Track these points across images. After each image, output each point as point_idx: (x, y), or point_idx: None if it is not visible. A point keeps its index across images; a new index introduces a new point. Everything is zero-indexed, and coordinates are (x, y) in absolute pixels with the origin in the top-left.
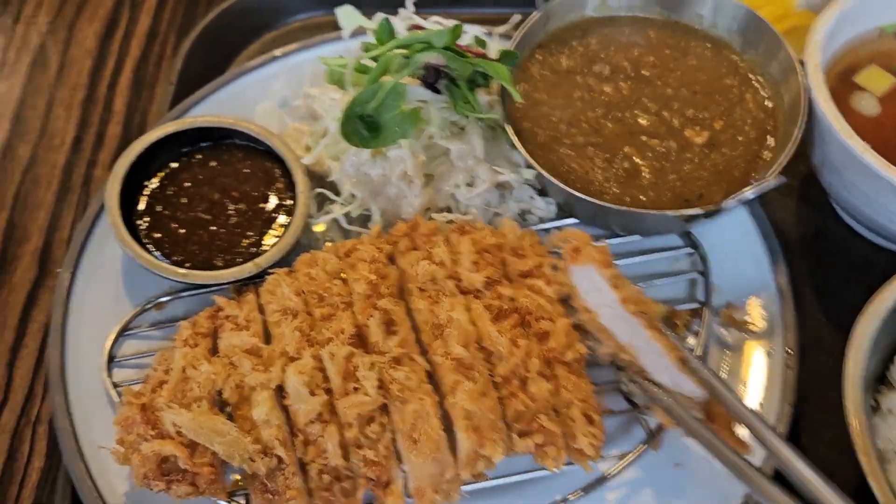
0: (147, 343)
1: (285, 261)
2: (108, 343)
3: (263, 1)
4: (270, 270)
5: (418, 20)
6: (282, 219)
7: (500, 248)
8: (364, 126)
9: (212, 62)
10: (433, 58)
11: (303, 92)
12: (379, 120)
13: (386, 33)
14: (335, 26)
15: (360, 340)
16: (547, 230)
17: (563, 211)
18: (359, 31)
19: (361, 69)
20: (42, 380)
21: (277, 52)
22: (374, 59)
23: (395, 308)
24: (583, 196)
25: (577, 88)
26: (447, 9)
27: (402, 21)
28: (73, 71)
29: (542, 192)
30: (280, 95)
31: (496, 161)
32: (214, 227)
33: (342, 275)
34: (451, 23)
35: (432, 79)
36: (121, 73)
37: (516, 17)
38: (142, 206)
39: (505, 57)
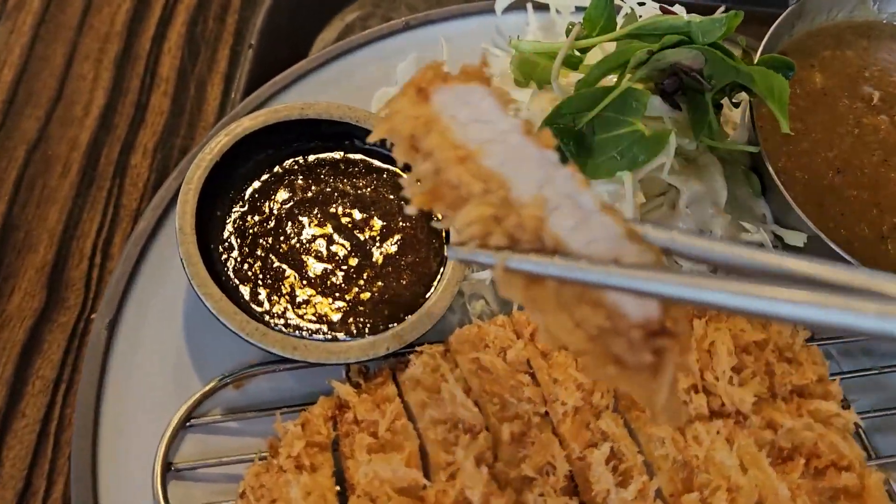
0: (220, 440)
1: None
2: (165, 440)
3: None
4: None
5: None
6: (426, 266)
7: (762, 347)
8: (571, 144)
9: (299, 25)
10: (690, 58)
11: None
12: (591, 139)
13: (602, 13)
14: None
15: (571, 479)
16: None
17: None
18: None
19: (574, 62)
20: (43, 471)
21: (400, 21)
22: (583, 50)
23: (620, 431)
24: None
25: (842, 119)
26: None
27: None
28: (104, 15)
29: None
30: (404, 80)
31: (733, 210)
32: (328, 273)
33: (530, 367)
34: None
35: (673, 88)
36: (170, 24)
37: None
38: (223, 233)
39: (774, 66)
